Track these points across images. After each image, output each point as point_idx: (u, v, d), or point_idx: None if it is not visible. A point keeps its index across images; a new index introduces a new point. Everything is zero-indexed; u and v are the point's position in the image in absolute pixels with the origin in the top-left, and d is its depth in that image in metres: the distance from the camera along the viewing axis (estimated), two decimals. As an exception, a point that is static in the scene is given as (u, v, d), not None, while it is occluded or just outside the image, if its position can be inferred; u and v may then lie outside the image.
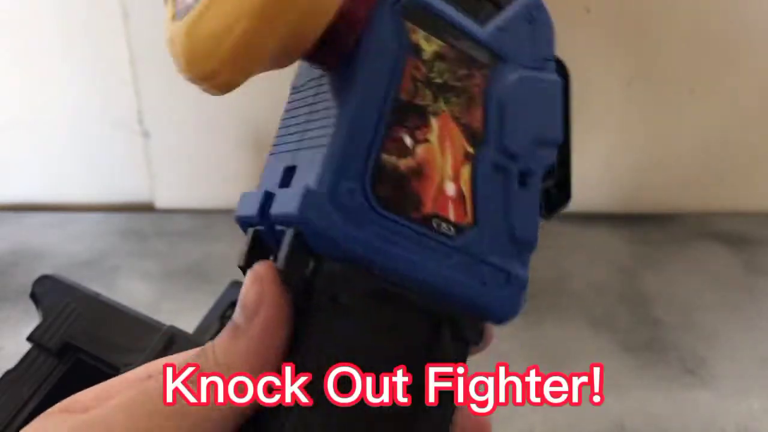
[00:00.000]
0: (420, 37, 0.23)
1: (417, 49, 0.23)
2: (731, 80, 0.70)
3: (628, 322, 0.64)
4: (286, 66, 0.23)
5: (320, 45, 0.22)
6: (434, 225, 0.22)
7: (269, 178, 0.24)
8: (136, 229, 0.76)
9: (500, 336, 0.68)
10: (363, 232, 0.21)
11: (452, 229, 0.23)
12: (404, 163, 0.22)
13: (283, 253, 0.21)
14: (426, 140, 0.22)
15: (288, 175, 0.23)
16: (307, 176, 0.22)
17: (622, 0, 0.66)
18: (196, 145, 0.77)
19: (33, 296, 0.44)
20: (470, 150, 0.23)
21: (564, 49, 0.25)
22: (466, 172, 0.23)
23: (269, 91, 0.78)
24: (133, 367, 0.40)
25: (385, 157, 0.22)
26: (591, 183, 0.77)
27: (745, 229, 0.74)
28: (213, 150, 0.78)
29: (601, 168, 0.74)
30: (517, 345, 0.59)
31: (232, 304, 0.45)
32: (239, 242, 0.23)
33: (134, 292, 0.66)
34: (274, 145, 0.25)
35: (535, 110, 0.24)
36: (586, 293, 0.67)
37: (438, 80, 0.23)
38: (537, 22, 0.25)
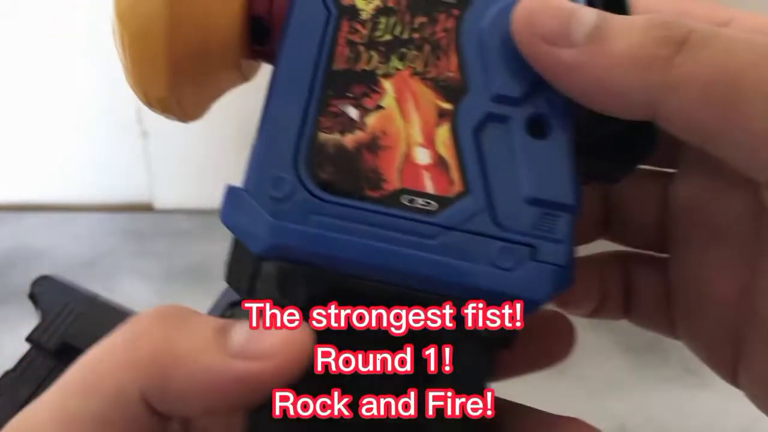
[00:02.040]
0: None
1: (352, 11, 0.20)
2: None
3: (628, 323, 0.64)
4: (235, 70, 0.22)
5: (260, 40, 0.21)
6: (405, 202, 0.19)
7: None
8: (135, 230, 0.76)
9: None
10: (304, 225, 0.19)
11: (433, 203, 0.19)
12: (351, 139, 0.19)
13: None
14: (378, 107, 0.20)
15: None
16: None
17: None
18: (195, 145, 0.77)
19: (31, 297, 0.44)
20: (446, 106, 0.20)
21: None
22: (444, 132, 0.19)
23: (269, 91, 0.78)
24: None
25: (323, 135, 0.19)
26: (591, 183, 0.77)
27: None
28: (213, 150, 0.77)
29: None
30: (517, 345, 0.59)
31: (232, 305, 0.45)
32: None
33: (133, 292, 0.66)
34: None
35: None
36: (587, 293, 0.67)
37: (386, 38, 0.20)
38: None
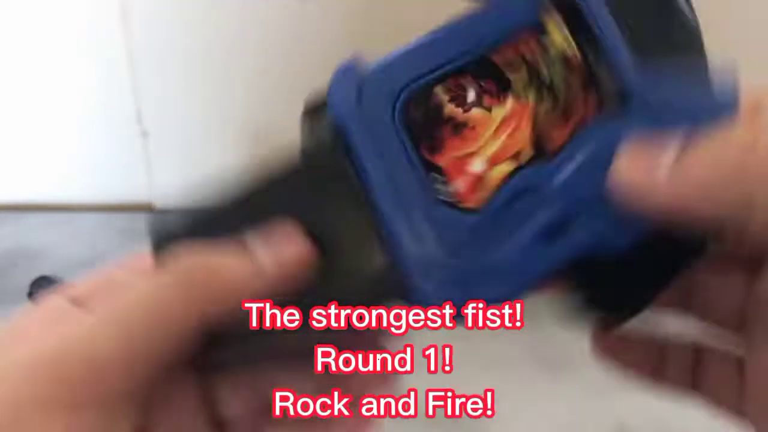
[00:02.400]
0: (553, 25, 0.21)
1: (541, 31, 0.21)
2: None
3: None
4: None
5: None
6: (431, 174, 0.21)
7: None
8: (135, 230, 0.76)
9: (501, 337, 0.67)
10: (368, 115, 0.21)
11: (449, 193, 0.21)
12: (451, 109, 0.21)
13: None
14: (488, 109, 0.21)
15: None
16: None
17: None
18: (195, 145, 0.77)
19: (31, 297, 0.44)
20: (526, 155, 0.21)
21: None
22: (505, 168, 0.21)
23: (269, 91, 0.78)
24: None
25: (438, 88, 0.21)
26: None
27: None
28: (212, 150, 0.77)
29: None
30: (518, 346, 0.59)
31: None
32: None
33: (133, 292, 0.66)
34: None
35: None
36: (587, 293, 0.67)
37: (543, 75, 0.21)
38: (714, 118, 0.20)
